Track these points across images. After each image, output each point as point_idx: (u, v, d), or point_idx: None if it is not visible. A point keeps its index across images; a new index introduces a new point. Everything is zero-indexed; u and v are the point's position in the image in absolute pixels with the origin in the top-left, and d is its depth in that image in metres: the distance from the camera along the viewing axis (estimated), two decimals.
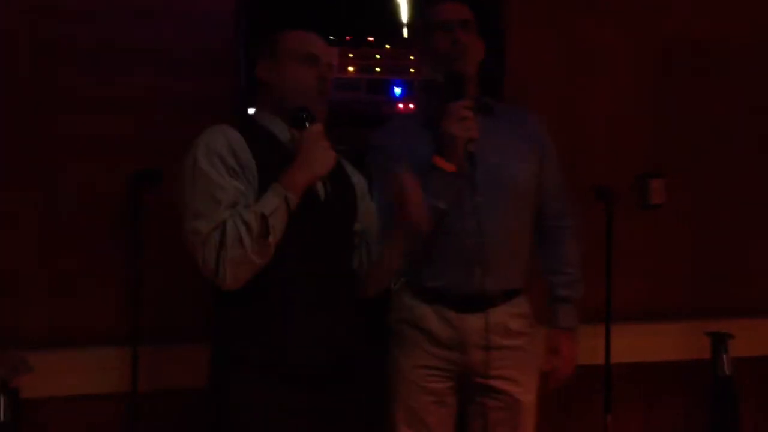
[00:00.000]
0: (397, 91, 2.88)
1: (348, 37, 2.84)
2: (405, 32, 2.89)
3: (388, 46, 2.88)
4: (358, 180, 2.01)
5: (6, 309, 2.44)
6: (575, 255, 2.25)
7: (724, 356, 2.76)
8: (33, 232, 2.46)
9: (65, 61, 2.47)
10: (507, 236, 2.06)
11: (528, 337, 2.13)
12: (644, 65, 2.91)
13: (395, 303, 2.14)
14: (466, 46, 2.04)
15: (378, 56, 2.87)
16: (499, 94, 2.68)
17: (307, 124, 1.75)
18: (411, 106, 2.86)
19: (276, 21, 2.66)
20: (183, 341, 2.42)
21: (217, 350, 1.80)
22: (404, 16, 2.85)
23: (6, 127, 2.44)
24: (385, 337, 2.14)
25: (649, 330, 2.91)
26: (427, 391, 2.06)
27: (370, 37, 2.86)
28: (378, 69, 2.87)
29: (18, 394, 2.34)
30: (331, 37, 2.80)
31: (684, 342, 2.92)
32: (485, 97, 2.15)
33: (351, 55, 2.84)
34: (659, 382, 2.96)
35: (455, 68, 2.02)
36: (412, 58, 2.90)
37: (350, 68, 2.84)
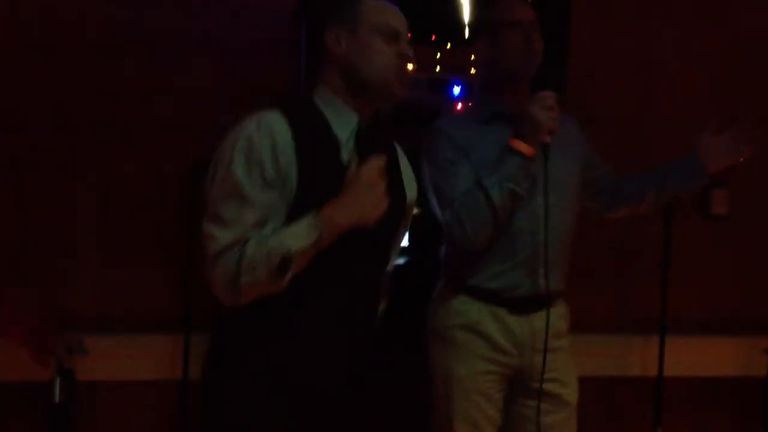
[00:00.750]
0: (456, 90, 2.85)
1: (409, 35, 2.82)
2: (466, 32, 2.86)
3: (449, 45, 2.85)
4: (410, 188, 1.81)
5: (64, 292, 2.48)
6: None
7: None
8: (91, 217, 2.50)
9: (130, 48, 2.50)
10: (566, 236, 2.06)
11: (570, 338, 2.12)
12: (710, 74, 2.86)
13: (443, 308, 2.08)
14: (539, 48, 2.03)
15: (439, 55, 2.84)
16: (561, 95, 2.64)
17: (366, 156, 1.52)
18: (470, 105, 2.83)
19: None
20: None
21: (217, 352, 1.63)
22: (466, 15, 2.83)
23: (69, 111, 2.48)
24: (427, 345, 2.09)
25: (704, 344, 2.86)
26: (488, 398, 2.03)
27: (432, 35, 2.83)
28: (438, 68, 2.84)
29: (73, 376, 2.39)
30: None
31: (740, 358, 2.86)
32: None
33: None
34: (712, 398, 2.90)
35: (528, 72, 2.02)
36: (473, 57, 2.87)
37: (410, 66, 2.82)
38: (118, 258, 2.52)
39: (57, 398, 2.35)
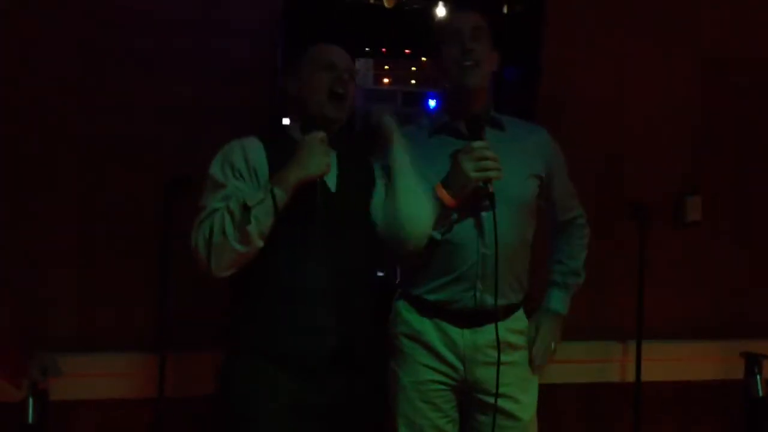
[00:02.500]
0: (432, 103, 2.87)
1: (383, 50, 2.84)
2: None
3: (423, 59, 2.87)
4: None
5: (37, 311, 2.44)
6: (581, 252, 2.17)
7: (758, 377, 2.70)
8: (65, 235, 2.47)
9: (108, 65, 2.48)
10: (512, 250, 1.97)
11: (525, 352, 2.06)
12: (684, 81, 2.89)
13: (393, 314, 2.07)
14: (477, 57, 1.95)
15: (414, 69, 2.86)
16: (532, 110, 2.67)
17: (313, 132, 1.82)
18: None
19: (313, 33, 2.67)
20: (210, 348, 2.40)
21: (228, 339, 1.87)
22: None
23: (46, 128, 2.45)
24: (386, 349, 2.08)
25: (681, 349, 2.88)
26: (436, 408, 2.00)
27: (407, 49, 2.85)
28: (413, 81, 2.86)
29: (47, 396, 2.34)
30: (367, 49, 2.81)
31: (717, 362, 2.88)
32: (493, 112, 2.07)
33: (387, 68, 2.84)
34: (690, 402, 2.92)
35: (466, 83, 1.95)
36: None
37: (386, 80, 2.84)
38: (93, 276, 2.48)
39: (30, 419, 2.30)
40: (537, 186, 2.04)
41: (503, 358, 1.93)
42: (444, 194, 1.89)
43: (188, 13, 2.53)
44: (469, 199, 1.90)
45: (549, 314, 2.11)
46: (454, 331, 1.97)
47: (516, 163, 1.98)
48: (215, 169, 1.83)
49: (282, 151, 1.83)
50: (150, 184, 2.47)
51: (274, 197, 1.72)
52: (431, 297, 1.99)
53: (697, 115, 2.90)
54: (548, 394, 2.24)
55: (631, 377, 2.70)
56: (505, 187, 1.92)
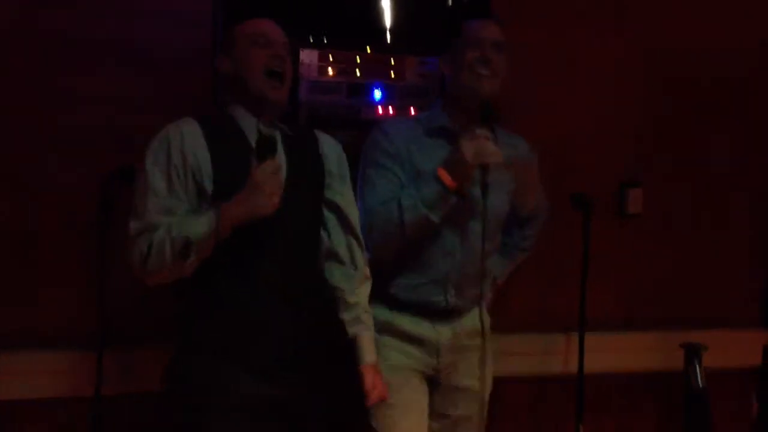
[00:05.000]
0: (378, 94, 2.84)
1: (326, 40, 2.79)
2: (387, 36, 2.86)
3: (368, 49, 2.84)
4: (330, 153, 2.00)
5: None
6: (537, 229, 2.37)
7: (698, 368, 2.76)
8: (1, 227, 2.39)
9: (50, 54, 2.40)
10: (486, 257, 2.10)
11: (486, 336, 2.15)
12: (626, 75, 2.91)
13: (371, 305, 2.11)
14: (495, 68, 2.03)
15: (358, 59, 2.82)
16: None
17: (267, 158, 1.72)
18: (390, 110, 2.82)
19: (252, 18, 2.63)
20: (149, 344, 2.35)
21: (180, 334, 1.84)
22: (387, 20, 2.82)
23: None
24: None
25: (623, 340, 2.91)
26: (401, 375, 2.06)
27: (351, 39, 2.81)
28: (358, 72, 2.82)
29: None
30: (311, 39, 2.77)
31: (658, 352, 2.92)
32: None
33: (331, 58, 2.80)
34: (632, 393, 2.96)
35: (486, 92, 2.02)
36: (392, 62, 2.87)
37: (330, 71, 2.80)
38: (28, 271, 2.40)
39: None
40: (509, 198, 2.18)
41: (471, 342, 2.07)
42: (446, 176, 1.93)
43: (128, 2, 2.46)
44: (468, 189, 1.96)
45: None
46: (426, 325, 2.07)
47: (501, 178, 2.07)
48: (150, 165, 1.76)
49: (223, 135, 1.79)
50: (88, 175, 2.39)
51: (217, 234, 1.68)
52: (405, 296, 2.06)
53: (641, 106, 2.92)
54: (493, 386, 2.27)
55: (573, 369, 2.72)
56: (493, 203, 2.03)
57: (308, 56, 2.80)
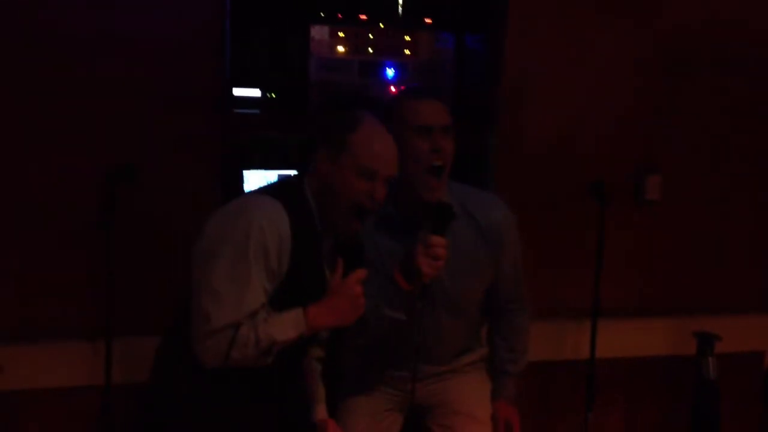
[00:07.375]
0: (390, 73, 2.75)
1: (339, 15, 2.68)
2: (400, 11, 2.75)
3: (381, 25, 2.73)
4: None
5: None
6: (524, 338, 2.25)
7: (710, 359, 2.73)
8: (4, 223, 2.34)
9: (48, 47, 2.30)
10: (449, 337, 2.10)
11: (481, 364, 2.20)
12: (643, 61, 2.82)
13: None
14: (446, 157, 1.91)
15: (371, 36, 2.72)
16: (497, 88, 2.60)
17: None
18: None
19: (261, 4, 2.51)
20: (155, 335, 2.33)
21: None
22: None
23: None
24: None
25: (635, 326, 2.90)
26: (367, 411, 2.10)
27: (363, 15, 2.70)
28: (370, 50, 2.72)
29: None
30: (322, 14, 2.66)
31: (670, 339, 2.91)
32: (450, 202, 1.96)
33: (342, 35, 2.69)
34: (643, 378, 2.96)
35: (431, 182, 1.90)
36: (407, 38, 2.77)
37: (341, 48, 2.69)
38: (35, 265, 2.36)
39: None
40: (484, 281, 2.08)
41: (456, 377, 2.05)
42: (402, 281, 1.86)
43: None
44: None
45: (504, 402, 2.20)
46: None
47: (464, 262, 1.98)
48: (252, 255, 1.66)
49: (303, 238, 1.73)
50: (90, 170, 2.34)
51: (301, 336, 1.71)
52: (368, 372, 2.11)
53: (659, 93, 2.83)
54: None
55: (585, 355, 2.70)
56: (450, 290, 1.98)
57: (318, 32, 2.70)
